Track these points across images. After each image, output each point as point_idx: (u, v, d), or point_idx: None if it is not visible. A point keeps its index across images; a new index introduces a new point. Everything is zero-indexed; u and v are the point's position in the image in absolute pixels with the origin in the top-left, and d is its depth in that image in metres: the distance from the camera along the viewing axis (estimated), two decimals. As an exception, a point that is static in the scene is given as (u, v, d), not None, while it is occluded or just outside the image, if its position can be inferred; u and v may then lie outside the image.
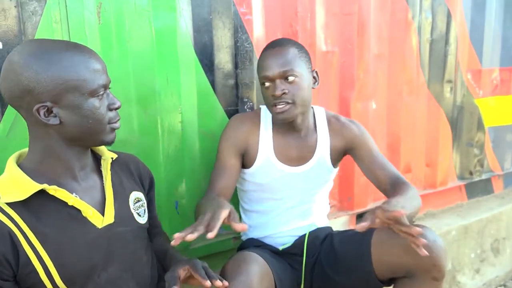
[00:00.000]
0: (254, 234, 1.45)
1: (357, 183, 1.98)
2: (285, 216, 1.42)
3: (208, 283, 0.96)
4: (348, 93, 1.91)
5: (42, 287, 0.91)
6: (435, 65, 2.21)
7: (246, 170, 1.40)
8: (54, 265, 0.90)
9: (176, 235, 0.92)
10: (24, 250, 0.88)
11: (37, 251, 0.89)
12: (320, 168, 1.40)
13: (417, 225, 1.26)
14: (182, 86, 1.46)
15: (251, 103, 1.61)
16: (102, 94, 0.95)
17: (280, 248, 1.41)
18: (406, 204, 1.11)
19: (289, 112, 1.28)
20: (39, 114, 0.89)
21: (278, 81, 1.26)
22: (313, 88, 1.35)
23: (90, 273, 0.95)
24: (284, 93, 1.26)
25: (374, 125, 2.01)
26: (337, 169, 1.46)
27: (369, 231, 1.30)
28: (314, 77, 1.35)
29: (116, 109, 0.99)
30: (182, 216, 1.53)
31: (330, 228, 1.51)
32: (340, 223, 2.00)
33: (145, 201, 1.13)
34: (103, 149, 1.07)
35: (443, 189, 2.37)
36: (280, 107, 1.27)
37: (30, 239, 0.88)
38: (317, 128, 1.40)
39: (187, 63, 1.46)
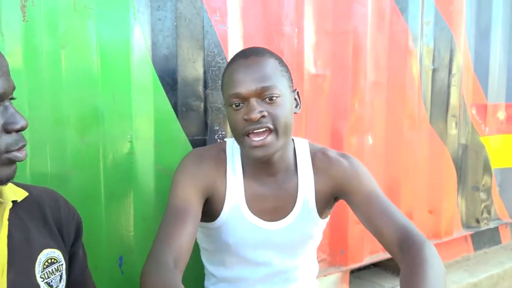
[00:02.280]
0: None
1: (351, 233, 1.65)
2: (262, 286, 1.07)
3: None
4: (341, 125, 1.61)
5: None
6: (437, 97, 1.95)
7: (208, 224, 1.06)
8: None
9: None
10: None
11: None
12: (304, 221, 1.06)
13: None
14: (134, 107, 1.14)
15: (223, 132, 1.30)
16: None
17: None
18: None
19: (271, 146, 0.94)
20: None
21: (253, 101, 0.93)
22: (294, 113, 1.02)
23: None
24: (263, 116, 0.93)
25: (370, 163, 1.70)
26: (327, 219, 1.13)
27: None
28: (295, 99, 1.02)
29: (19, 130, 0.68)
30: (127, 277, 1.17)
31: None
32: (331, 281, 1.65)
33: (63, 261, 0.78)
34: (2, 186, 0.73)
35: (448, 239, 2.06)
36: (258, 139, 0.93)
37: None
38: (298, 168, 1.06)
39: (142, 79, 1.16)
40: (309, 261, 1.15)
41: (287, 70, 1.01)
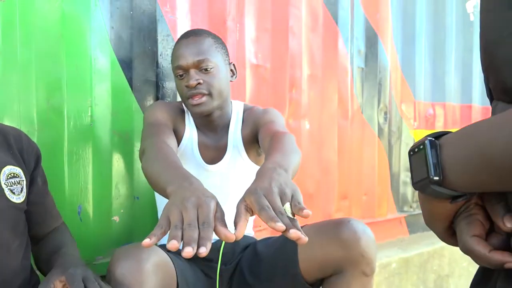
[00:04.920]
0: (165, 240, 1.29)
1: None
2: None
3: None
4: (281, 110, 1.85)
5: None
6: (368, 93, 2.23)
7: None
8: None
9: (145, 241, 0.68)
10: None
11: None
12: (236, 162, 1.30)
13: (342, 218, 1.18)
14: (94, 79, 1.35)
15: (172, 105, 1.52)
16: None
17: (192, 253, 1.26)
18: (284, 163, 0.87)
19: (206, 104, 1.21)
20: None
21: (192, 71, 1.20)
22: (231, 81, 1.30)
23: None
24: (199, 83, 1.19)
25: (308, 146, 1.95)
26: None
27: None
28: (231, 70, 1.30)
29: None
30: (85, 225, 1.35)
31: (254, 239, 1.37)
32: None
33: (24, 178, 0.97)
34: None
35: (382, 220, 2.30)
36: (196, 99, 1.20)
37: None
38: (231, 125, 1.31)
39: (101, 56, 1.37)
40: None
41: (223, 47, 1.27)
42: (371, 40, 2.22)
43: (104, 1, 1.38)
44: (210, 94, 1.21)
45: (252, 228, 1.43)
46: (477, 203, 0.46)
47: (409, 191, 2.45)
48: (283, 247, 1.21)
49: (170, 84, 1.51)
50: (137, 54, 1.45)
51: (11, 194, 0.92)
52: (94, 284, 0.84)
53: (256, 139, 1.28)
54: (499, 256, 0.43)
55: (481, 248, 0.44)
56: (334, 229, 1.13)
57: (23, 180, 0.96)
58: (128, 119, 1.43)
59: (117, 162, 1.41)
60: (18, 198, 0.93)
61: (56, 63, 1.29)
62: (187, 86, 1.20)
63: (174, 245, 0.66)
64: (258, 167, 1.33)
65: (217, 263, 1.23)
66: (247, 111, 1.33)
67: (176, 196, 0.77)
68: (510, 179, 0.38)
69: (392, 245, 2.37)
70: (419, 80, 2.45)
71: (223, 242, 1.25)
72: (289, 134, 1.06)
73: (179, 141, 1.26)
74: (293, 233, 0.69)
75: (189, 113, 1.30)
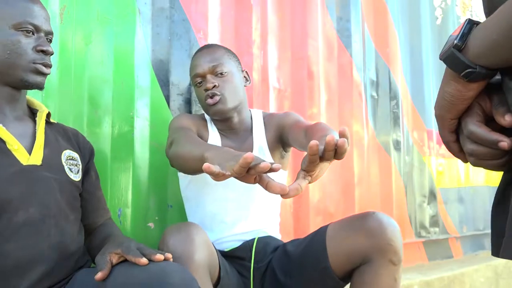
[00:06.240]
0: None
1: (313, 221, 1.94)
2: (230, 219, 1.35)
3: (143, 260, 0.89)
4: (301, 131, 1.98)
5: None
6: (381, 119, 2.36)
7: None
8: None
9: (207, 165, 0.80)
10: None
11: None
12: None
13: (367, 211, 1.25)
14: (136, 93, 1.50)
15: (204, 120, 1.64)
16: (30, 32, 0.96)
17: (226, 249, 1.32)
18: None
19: (222, 103, 1.30)
20: None
21: (209, 76, 1.31)
22: (245, 86, 1.41)
23: (5, 208, 0.90)
24: (214, 86, 1.30)
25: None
26: (285, 173, 1.45)
27: (324, 227, 1.28)
28: (245, 77, 1.42)
29: (45, 52, 0.98)
30: (124, 228, 1.43)
31: (282, 241, 1.44)
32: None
33: (80, 163, 1.09)
34: (40, 105, 1.08)
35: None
36: (211, 99, 1.29)
37: None
38: (254, 129, 1.41)
39: (143, 75, 1.53)
40: (270, 207, 1.42)
41: (234, 56, 1.41)
42: (382, 71, 2.38)
43: (146, 27, 1.55)
44: (224, 96, 1.31)
45: (279, 232, 1.50)
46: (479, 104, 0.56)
47: (426, 216, 2.50)
48: (312, 243, 1.27)
49: (202, 102, 1.65)
50: (174, 74, 1.60)
51: (69, 171, 1.03)
52: (150, 249, 0.91)
53: (280, 142, 1.39)
54: (496, 135, 0.52)
55: (483, 129, 0.53)
56: (360, 221, 1.20)
57: (79, 164, 1.08)
58: (164, 131, 1.54)
59: (154, 171, 1.51)
60: (75, 176, 1.04)
61: (105, 78, 1.44)
62: (205, 90, 1.31)
63: (250, 154, 0.77)
64: (281, 171, 1.43)
65: (250, 261, 1.29)
66: (266, 116, 1.45)
67: (220, 155, 0.91)
68: None
69: (412, 270, 2.38)
70: (429, 109, 2.58)
71: (255, 242, 1.32)
72: (322, 122, 1.18)
73: None
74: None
75: (212, 120, 1.41)
